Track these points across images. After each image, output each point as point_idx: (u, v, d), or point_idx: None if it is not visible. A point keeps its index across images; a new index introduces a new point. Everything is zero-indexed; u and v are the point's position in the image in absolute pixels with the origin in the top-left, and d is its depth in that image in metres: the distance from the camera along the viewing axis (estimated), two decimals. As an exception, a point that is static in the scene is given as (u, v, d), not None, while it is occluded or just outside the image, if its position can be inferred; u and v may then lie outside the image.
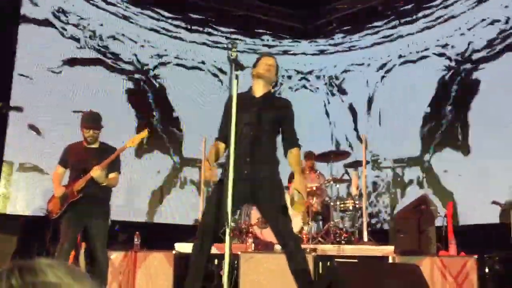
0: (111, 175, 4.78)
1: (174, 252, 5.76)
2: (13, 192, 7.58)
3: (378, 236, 6.60)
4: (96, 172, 4.56)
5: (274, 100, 4.02)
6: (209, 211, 3.77)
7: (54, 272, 0.95)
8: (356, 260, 5.49)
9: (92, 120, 4.84)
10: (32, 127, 7.71)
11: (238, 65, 3.62)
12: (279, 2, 9.87)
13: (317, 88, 10.09)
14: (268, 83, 3.95)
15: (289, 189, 6.85)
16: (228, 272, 3.24)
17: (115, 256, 5.78)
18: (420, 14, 8.87)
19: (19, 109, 7.68)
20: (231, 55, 3.65)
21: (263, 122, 3.79)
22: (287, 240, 3.66)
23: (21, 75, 7.72)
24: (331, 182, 6.90)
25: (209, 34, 9.62)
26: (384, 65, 9.17)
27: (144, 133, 4.81)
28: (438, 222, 6.25)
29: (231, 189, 3.28)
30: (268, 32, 10.09)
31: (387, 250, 5.81)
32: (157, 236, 7.55)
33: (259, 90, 3.89)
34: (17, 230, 7.20)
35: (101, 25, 8.53)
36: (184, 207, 8.61)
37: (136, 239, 6.34)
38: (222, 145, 3.95)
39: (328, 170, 7.05)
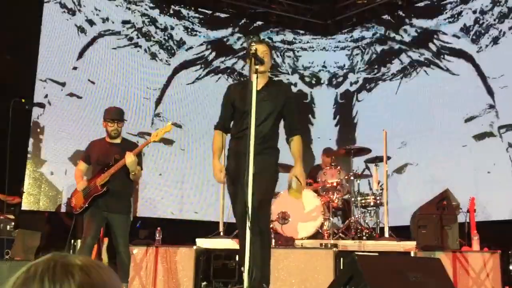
0: (138, 168, 4.79)
1: (195, 247, 5.79)
2: (37, 188, 7.71)
3: (401, 232, 6.54)
4: (130, 158, 4.59)
5: (275, 87, 4.00)
6: (236, 201, 3.82)
7: (89, 271, 0.97)
8: (376, 254, 5.46)
9: (116, 114, 4.89)
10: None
11: (258, 60, 3.65)
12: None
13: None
14: (266, 71, 3.92)
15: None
16: (249, 268, 3.26)
17: (137, 252, 5.83)
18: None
19: (41, 105, 7.81)
20: (251, 50, 3.68)
21: (266, 112, 3.79)
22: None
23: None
24: (352, 178, 6.87)
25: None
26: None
27: (168, 127, 4.85)
28: (461, 218, 6.20)
29: (251, 184, 3.31)
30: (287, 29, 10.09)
31: (408, 245, 5.77)
32: (179, 232, 7.62)
33: (260, 80, 3.74)
34: (42, 225, 7.33)
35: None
36: (206, 203, 8.64)
37: (157, 235, 6.40)
38: (224, 135, 4.00)
39: (349, 166, 7.01)
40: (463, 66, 8.31)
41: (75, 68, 8.16)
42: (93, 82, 8.26)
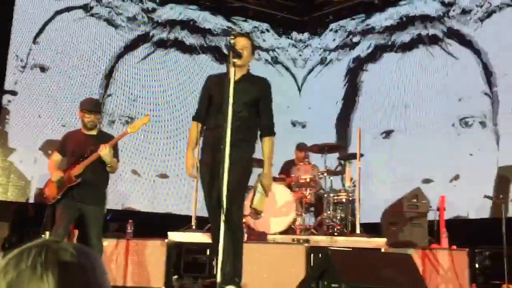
0: (114, 160, 4.72)
1: (167, 240, 5.75)
2: (5, 178, 7.55)
3: (371, 228, 6.63)
4: (105, 150, 4.51)
5: (252, 81, 3.98)
6: (209, 194, 3.78)
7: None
8: (350, 249, 5.52)
9: (93, 105, 4.81)
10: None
11: (236, 53, 3.63)
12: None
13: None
14: (244, 65, 3.90)
15: (279, 180, 6.91)
16: (222, 262, 3.24)
17: (107, 244, 5.76)
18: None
19: (13, 93, 7.65)
20: (230, 43, 3.67)
21: (240, 105, 3.73)
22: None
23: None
24: (325, 174, 6.92)
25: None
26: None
27: (146, 119, 4.79)
28: (431, 216, 6.30)
29: (226, 176, 3.30)
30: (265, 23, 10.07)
31: (379, 242, 5.85)
32: (151, 225, 7.56)
33: (237, 73, 3.70)
34: (9, 216, 7.19)
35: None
36: (178, 196, 8.59)
37: (129, 228, 6.33)
38: (200, 126, 3.96)
39: (322, 162, 7.05)
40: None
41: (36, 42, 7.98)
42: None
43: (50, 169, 4.84)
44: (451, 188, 7.61)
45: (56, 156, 4.90)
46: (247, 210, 6.18)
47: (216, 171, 3.43)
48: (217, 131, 3.64)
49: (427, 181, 7.88)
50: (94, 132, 4.80)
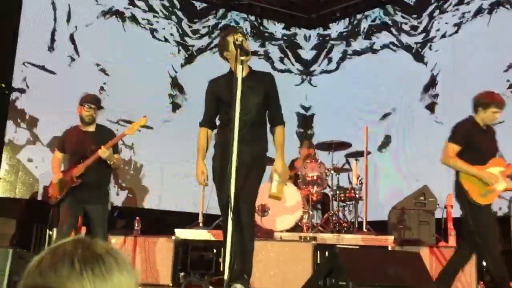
0: (116, 155, 4.76)
1: (174, 238, 5.77)
2: (13, 175, 7.59)
3: (378, 226, 6.62)
4: (105, 154, 4.52)
5: (259, 76, 3.96)
6: (223, 192, 3.67)
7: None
8: (357, 247, 5.51)
9: (93, 99, 4.81)
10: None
11: (243, 50, 3.63)
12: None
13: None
14: (248, 62, 3.85)
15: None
16: (230, 259, 3.24)
17: (115, 241, 5.78)
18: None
19: (22, 90, 7.68)
20: (237, 40, 3.66)
21: (252, 103, 3.75)
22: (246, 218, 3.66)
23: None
24: (332, 172, 6.91)
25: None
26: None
27: (143, 121, 4.78)
28: (438, 213, 6.29)
29: (234, 175, 3.30)
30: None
31: (386, 240, 5.84)
32: (158, 222, 7.59)
33: (243, 69, 3.68)
34: (17, 213, 7.23)
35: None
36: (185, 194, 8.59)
37: (136, 225, 6.36)
38: (209, 132, 3.95)
39: (329, 160, 7.04)
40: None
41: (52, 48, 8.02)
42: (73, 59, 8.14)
43: (53, 168, 4.87)
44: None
45: (58, 154, 4.92)
46: (263, 200, 6.09)
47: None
48: (230, 128, 3.60)
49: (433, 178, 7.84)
50: (92, 128, 4.78)
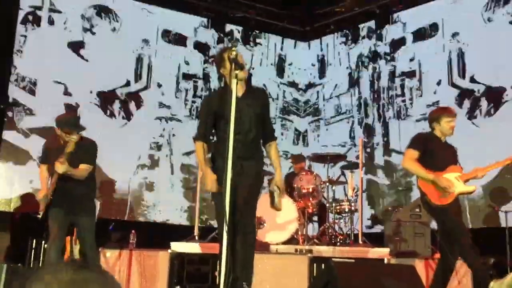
0: (81, 166, 4.57)
1: (169, 251, 5.75)
2: (9, 188, 7.56)
3: (374, 238, 6.62)
4: (61, 169, 4.39)
5: (256, 93, 4.03)
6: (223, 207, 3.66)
7: None
8: (353, 260, 5.51)
9: (72, 123, 4.59)
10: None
11: (237, 65, 3.64)
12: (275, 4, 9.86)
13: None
14: (245, 77, 3.84)
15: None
16: (225, 272, 3.23)
17: (110, 255, 5.76)
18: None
19: (17, 104, 7.67)
20: (231, 55, 3.67)
21: (253, 118, 3.81)
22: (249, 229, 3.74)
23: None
24: (327, 184, 6.91)
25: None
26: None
27: (74, 139, 4.45)
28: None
29: (229, 188, 3.31)
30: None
31: (382, 252, 5.84)
32: (153, 235, 7.55)
33: (239, 86, 3.71)
34: (11, 226, 7.19)
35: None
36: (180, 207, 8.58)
37: (131, 238, 6.34)
38: (205, 145, 3.94)
39: (325, 172, 7.05)
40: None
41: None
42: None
43: (41, 183, 4.81)
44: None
45: (43, 167, 4.80)
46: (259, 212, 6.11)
47: (232, 181, 3.41)
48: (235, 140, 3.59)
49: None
50: (71, 149, 4.45)
